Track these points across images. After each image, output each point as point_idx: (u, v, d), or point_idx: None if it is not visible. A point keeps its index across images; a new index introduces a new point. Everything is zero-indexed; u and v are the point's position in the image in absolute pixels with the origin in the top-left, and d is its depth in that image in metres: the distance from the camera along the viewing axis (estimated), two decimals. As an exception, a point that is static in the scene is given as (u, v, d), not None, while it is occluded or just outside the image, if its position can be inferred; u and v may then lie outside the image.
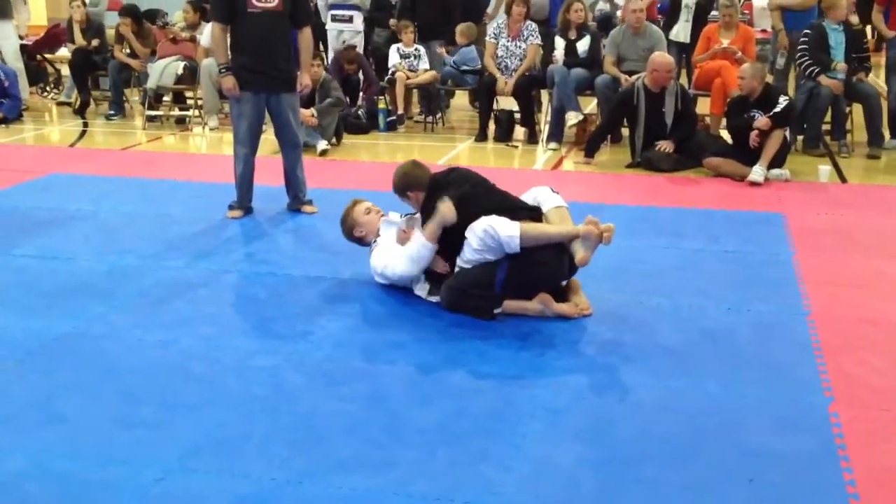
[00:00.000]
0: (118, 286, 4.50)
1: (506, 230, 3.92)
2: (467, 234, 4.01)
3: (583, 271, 4.24)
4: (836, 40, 7.80)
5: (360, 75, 9.28)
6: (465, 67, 9.10)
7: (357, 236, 4.60)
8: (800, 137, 7.91)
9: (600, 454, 2.95)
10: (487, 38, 8.80)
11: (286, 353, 3.71)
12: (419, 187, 4.36)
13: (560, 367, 3.61)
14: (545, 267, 4.03)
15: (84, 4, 10.42)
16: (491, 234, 3.92)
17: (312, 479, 2.79)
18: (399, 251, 4.28)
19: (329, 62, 9.59)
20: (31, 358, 3.67)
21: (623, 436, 3.07)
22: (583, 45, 8.41)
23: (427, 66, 9.28)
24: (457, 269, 4.14)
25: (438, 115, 9.48)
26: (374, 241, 4.51)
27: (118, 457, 2.90)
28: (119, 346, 3.80)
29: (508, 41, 8.58)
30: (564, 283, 4.22)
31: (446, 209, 4.07)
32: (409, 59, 9.24)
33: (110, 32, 10.37)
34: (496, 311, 4.04)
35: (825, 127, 8.06)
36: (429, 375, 3.54)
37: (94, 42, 10.19)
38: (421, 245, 4.16)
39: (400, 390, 3.41)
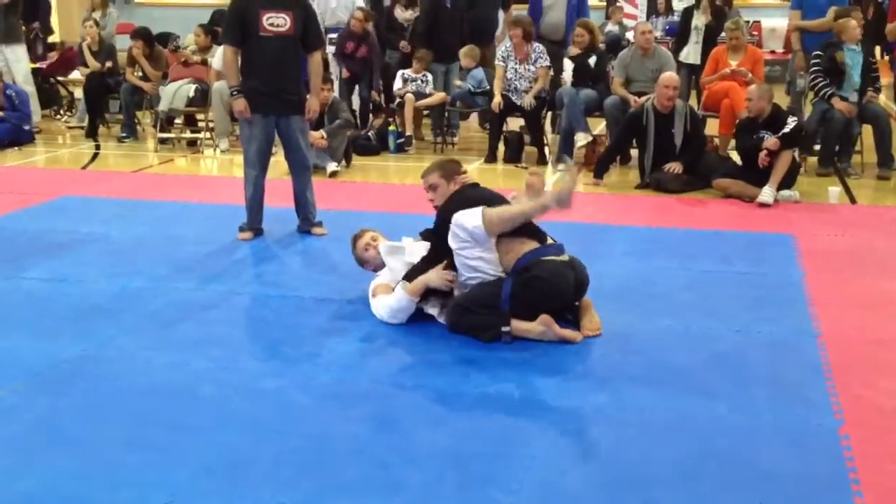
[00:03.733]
0: (128, 308, 4.51)
1: (469, 221, 4.00)
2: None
3: (592, 292, 4.25)
4: (854, 60, 7.79)
5: (370, 87, 9.35)
6: (474, 89, 9.13)
7: (369, 270, 4.65)
8: (813, 159, 7.90)
9: (609, 476, 2.94)
10: (497, 62, 8.80)
11: (295, 376, 3.72)
12: (453, 173, 4.47)
13: (569, 388, 3.60)
14: (542, 281, 4.00)
15: (96, 25, 10.50)
16: (462, 226, 4.01)
17: (320, 502, 2.79)
18: (383, 299, 4.30)
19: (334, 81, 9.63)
20: (40, 380, 3.68)
21: (632, 458, 3.06)
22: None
23: (432, 88, 9.32)
24: (461, 289, 4.14)
25: (452, 136, 9.50)
26: (377, 272, 4.55)
27: (127, 479, 2.91)
28: (128, 368, 3.81)
29: (517, 64, 8.59)
30: (577, 302, 4.22)
31: (435, 276, 4.12)
32: (416, 83, 9.28)
33: (121, 55, 10.45)
34: (505, 329, 3.99)
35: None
36: (437, 397, 3.54)
37: (108, 64, 10.26)
38: (402, 297, 4.20)
39: (408, 413, 3.41)
